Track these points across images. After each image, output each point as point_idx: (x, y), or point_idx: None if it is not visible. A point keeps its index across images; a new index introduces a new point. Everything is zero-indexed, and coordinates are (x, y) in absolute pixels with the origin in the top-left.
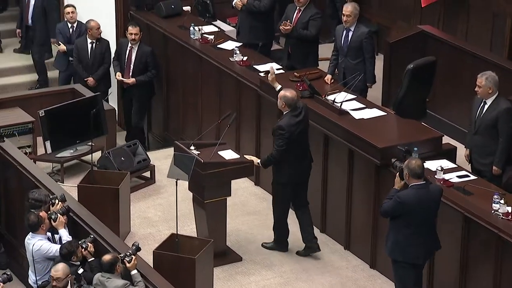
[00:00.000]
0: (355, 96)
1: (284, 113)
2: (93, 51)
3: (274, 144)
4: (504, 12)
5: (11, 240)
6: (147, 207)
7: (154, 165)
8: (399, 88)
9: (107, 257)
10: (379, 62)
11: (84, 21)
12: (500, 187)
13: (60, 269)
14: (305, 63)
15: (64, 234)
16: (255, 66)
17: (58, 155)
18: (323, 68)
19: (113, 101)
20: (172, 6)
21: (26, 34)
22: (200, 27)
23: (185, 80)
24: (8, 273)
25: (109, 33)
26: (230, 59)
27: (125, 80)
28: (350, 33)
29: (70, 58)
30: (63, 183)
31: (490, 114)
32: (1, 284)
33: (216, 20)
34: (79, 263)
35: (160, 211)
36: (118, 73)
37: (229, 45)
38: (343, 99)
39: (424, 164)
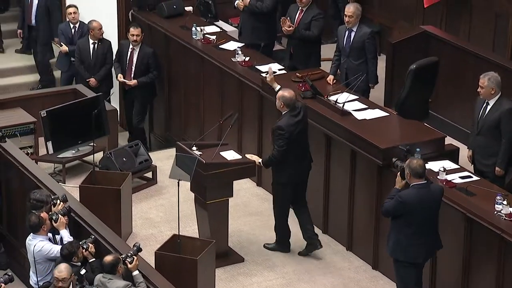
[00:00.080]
0: (357, 97)
1: (283, 113)
2: (95, 52)
3: (274, 145)
4: (506, 12)
5: (13, 241)
6: (149, 207)
7: (156, 166)
8: (402, 88)
9: (108, 258)
10: (381, 63)
11: (86, 22)
12: (503, 188)
13: (63, 269)
14: (307, 63)
15: (65, 235)
16: (257, 67)
17: (60, 156)
18: (325, 68)
19: (115, 102)
20: (174, 7)
21: (29, 34)
22: (202, 27)
23: (187, 80)
24: (10, 273)
25: (111, 33)
26: (232, 59)
27: (127, 82)
28: (353, 34)
29: (72, 59)
30: (64, 183)
31: (492, 115)
32: (3, 284)
33: (218, 21)
34: (80, 263)
35: (162, 211)
36: (120, 75)
37: (231, 45)
38: (345, 100)
39: (427, 165)
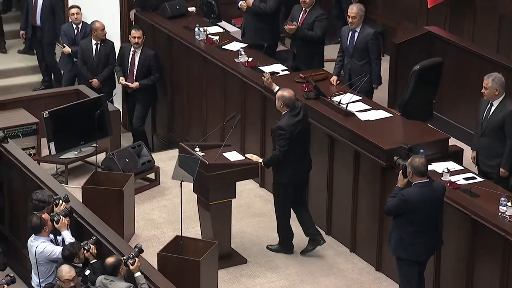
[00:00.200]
0: (361, 98)
1: (283, 113)
2: (98, 52)
3: (276, 145)
4: (510, 13)
5: (15, 242)
6: (151, 209)
7: (158, 167)
8: (405, 89)
9: (110, 260)
10: (385, 63)
11: (88, 22)
12: (507, 189)
13: (68, 270)
14: (311, 64)
15: (67, 236)
16: (260, 67)
17: (62, 157)
18: (328, 69)
19: (117, 103)
20: (177, 7)
21: (33, 35)
22: (205, 28)
23: (190, 81)
24: (12, 275)
25: (113, 34)
26: (235, 60)
27: (129, 84)
28: (356, 34)
29: (75, 59)
30: (67, 184)
31: (496, 116)
32: (5, 286)
33: (221, 21)
34: (81, 265)
35: (164, 213)
36: (122, 78)
37: (234, 46)
38: (349, 101)
39: (430, 166)
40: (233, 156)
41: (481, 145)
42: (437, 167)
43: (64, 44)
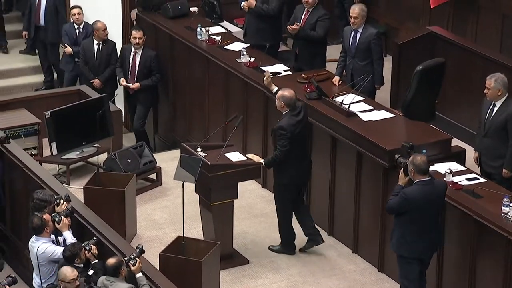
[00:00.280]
0: (363, 98)
1: (284, 113)
2: (100, 53)
3: (277, 145)
4: None
5: (16, 242)
6: (153, 209)
7: (160, 167)
8: (408, 90)
9: (111, 261)
10: (387, 64)
11: (90, 22)
12: (510, 190)
13: (71, 270)
14: (313, 64)
15: (68, 236)
16: (262, 68)
17: (64, 157)
18: (331, 69)
19: (119, 103)
20: (179, 7)
21: (35, 35)
22: (207, 28)
23: (192, 81)
24: (13, 275)
25: (115, 34)
26: (237, 60)
27: (130, 85)
28: (358, 35)
29: (76, 59)
30: (69, 185)
31: (499, 117)
32: (7, 286)
33: (223, 21)
34: (82, 265)
35: (166, 213)
36: (123, 79)
37: (236, 46)
38: (351, 101)
39: (433, 166)
40: (235, 156)
41: (483, 146)
42: (440, 167)
43: (66, 44)
